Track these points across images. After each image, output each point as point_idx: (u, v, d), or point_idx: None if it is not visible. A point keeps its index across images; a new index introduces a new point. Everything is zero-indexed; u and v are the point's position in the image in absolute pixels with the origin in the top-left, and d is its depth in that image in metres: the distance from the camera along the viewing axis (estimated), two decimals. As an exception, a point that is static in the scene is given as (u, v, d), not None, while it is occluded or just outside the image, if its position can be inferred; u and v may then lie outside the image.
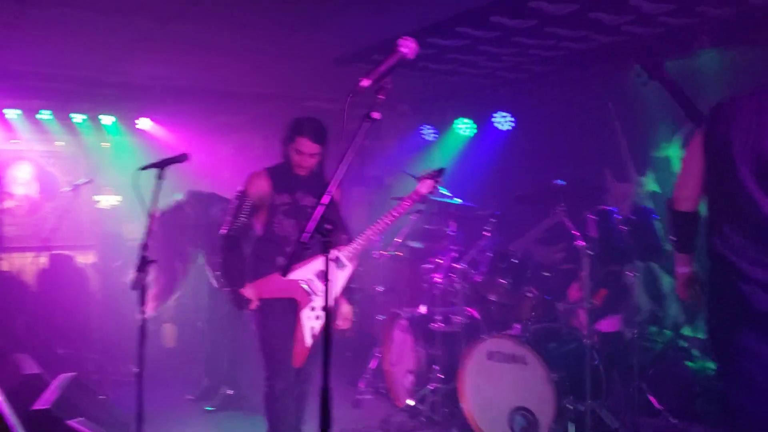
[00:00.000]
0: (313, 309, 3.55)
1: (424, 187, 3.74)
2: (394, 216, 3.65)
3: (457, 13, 4.60)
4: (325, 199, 1.98)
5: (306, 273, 3.55)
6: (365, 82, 2.10)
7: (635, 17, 4.52)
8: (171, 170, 3.44)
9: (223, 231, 3.62)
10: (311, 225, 1.92)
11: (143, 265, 3.44)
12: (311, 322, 3.55)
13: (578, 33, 4.90)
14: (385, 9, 4.54)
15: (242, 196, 3.62)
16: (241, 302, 3.54)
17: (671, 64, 5.15)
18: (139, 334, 3.45)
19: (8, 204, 8.29)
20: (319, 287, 3.56)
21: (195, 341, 6.55)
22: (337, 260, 3.62)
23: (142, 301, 3.45)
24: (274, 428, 3.53)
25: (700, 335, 5.24)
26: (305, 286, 3.54)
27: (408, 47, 2.17)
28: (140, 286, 3.43)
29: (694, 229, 2.95)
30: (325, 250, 1.98)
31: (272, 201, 3.60)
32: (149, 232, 3.40)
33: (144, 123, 7.44)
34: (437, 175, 3.79)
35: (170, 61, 5.78)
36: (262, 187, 3.62)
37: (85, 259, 7.94)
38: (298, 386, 3.64)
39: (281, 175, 3.66)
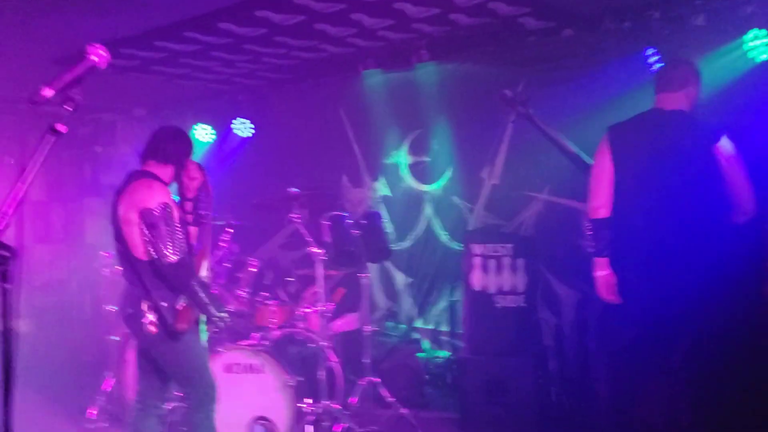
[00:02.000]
0: None
1: None
2: None
3: (183, 18, 4.47)
4: (1, 223, 1.75)
5: None
6: (47, 92, 1.89)
7: (357, 30, 4.77)
8: None
9: (167, 260, 3.02)
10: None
11: None
12: None
13: (307, 42, 5.05)
14: (106, 9, 4.25)
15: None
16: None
17: (391, 76, 5.55)
18: None
19: None
20: None
21: None
22: None
23: None
24: None
25: (431, 326, 5.72)
26: None
27: (98, 55, 2.00)
28: None
29: (610, 233, 3.35)
30: (3, 279, 1.75)
31: None
32: None
33: None
34: None
35: None
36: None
37: None
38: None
39: None
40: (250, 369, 4.08)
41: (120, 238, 3.20)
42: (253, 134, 6.55)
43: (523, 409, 4.37)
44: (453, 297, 5.51)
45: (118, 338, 5.04)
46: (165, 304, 3.10)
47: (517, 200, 5.15)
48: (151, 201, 3.07)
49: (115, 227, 3.22)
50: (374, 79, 5.71)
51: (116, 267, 5.15)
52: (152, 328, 3.10)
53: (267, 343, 4.25)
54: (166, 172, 3.29)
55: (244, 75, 6.07)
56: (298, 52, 5.31)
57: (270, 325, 4.47)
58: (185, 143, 3.41)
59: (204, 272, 3.49)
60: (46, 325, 7.31)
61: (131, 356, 4.85)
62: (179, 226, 3.15)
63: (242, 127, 6.52)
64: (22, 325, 7.48)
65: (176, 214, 3.18)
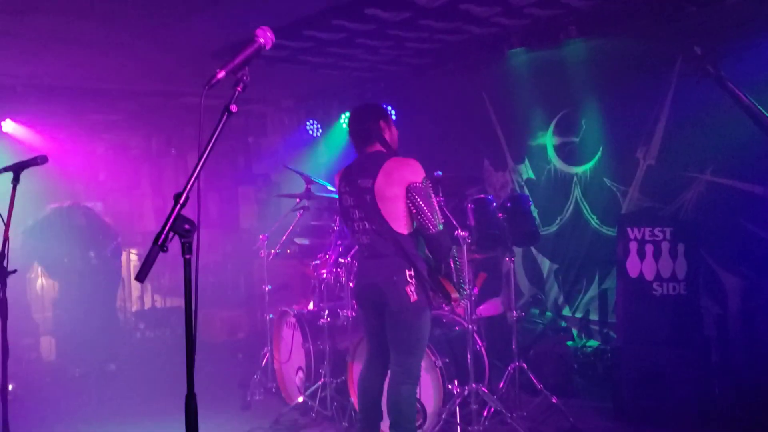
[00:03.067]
0: None
1: None
2: None
3: (331, 6, 4.58)
4: (183, 198, 1.87)
5: None
6: (221, 74, 2.02)
7: (503, 9, 4.67)
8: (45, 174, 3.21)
9: (434, 230, 3.32)
10: (167, 225, 1.81)
11: (1, 276, 3.21)
12: None
13: (450, 25, 5.01)
14: (259, 1, 4.45)
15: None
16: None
17: (537, 54, 5.38)
18: (1, 349, 3.21)
19: None
20: None
21: (76, 354, 6.25)
22: None
23: (4, 316, 3.22)
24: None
25: (579, 314, 5.52)
26: None
27: (265, 37, 2.10)
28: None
29: None
30: (185, 251, 1.88)
31: None
32: (5, 241, 3.17)
33: (7, 125, 6.93)
34: None
35: (32, 57, 5.42)
36: None
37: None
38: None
39: None
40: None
41: (373, 217, 3.40)
42: (395, 121, 6.61)
43: (683, 403, 4.11)
44: (604, 284, 5.28)
45: (273, 316, 5.31)
46: (425, 274, 3.37)
47: (676, 181, 4.81)
48: (416, 175, 3.33)
49: (364, 209, 3.44)
50: (519, 58, 5.58)
51: (278, 253, 5.47)
52: (414, 296, 3.33)
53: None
54: (384, 146, 3.55)
55: (387, 62, 6.14)
56: (442, 35, 5.29)
57: (445, 308, 4.49)
58: (375, 111, 3.64)
59: None
60: (205, 304, 7.86)
61: (286, 333, 5.11)
62: (434, 198, 3.40)
63: (385, 114, 6.59)
64: (180, 303, 8.13)
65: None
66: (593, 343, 5.26)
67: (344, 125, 7.04)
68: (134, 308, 8.26)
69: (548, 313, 5.66)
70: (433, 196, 3.39)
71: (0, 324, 3.18)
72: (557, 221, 5.67)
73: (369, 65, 6.22)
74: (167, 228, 1.79)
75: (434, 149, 6.20)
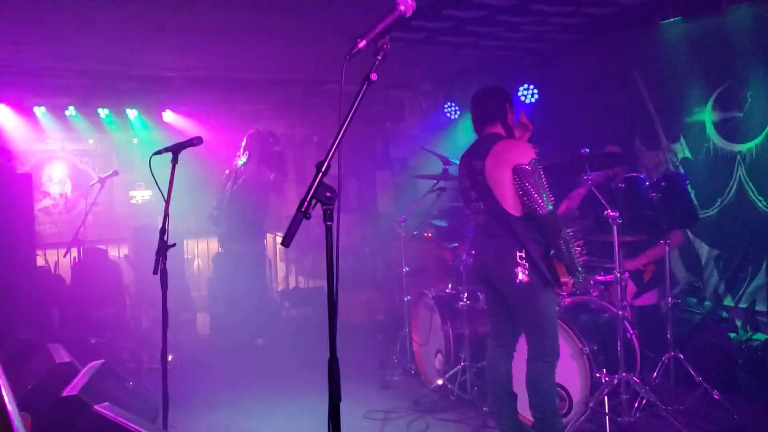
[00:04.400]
0: None
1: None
2: None
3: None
4: (324, 166, 1.89)
5: None
6: (361, 43, 2.00)
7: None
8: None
9: (542, 211, 3.30)
10: (310, 192, 1.83)
11: (162, 250, 3.43)
12: None
13: (599, -5, 4.73)
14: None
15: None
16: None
17: (695, 24, 4.95)
18: (163, 320, 3.44)
19: (45, 203, 8.48)
20: None
21: (228, 330, 6.64)
22: None
23: (164, 286, 3.44)
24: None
25: (743, 305, 5.05)
26: None
27: (406, 4, 2.06)
28: (160, 271, 3.42)
29: None
30: (326, 218, 1.89)
31: None
32: (165, 217, 3.38)
33: (168, 116, 7.46)
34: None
35: (187, 50, 5.78)
36: None
37: (118, 252, 8.06)
38: None
39: None
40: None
41: (486, 197, 3.43)
42: (536, 100, 6.39)
43: None
44: (773, 272, 4.80)
45: (410, 298, 5.33)
46: (536, 256, 3.34)
47: None
48: (523, 157, 3.32)
49: (478, 189, 3.48)
50: (674, 30, 5.18)
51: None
52: (524, 277, 3.34)
53: (558, 308, 4.11)
54: (504, 128, 3.55)
55: (529, 39, 5.93)
56: (587, 7, 5.02)
57: (560, 292, 4.32)
58: (503, 94, 3.62)
59: None
60: (345, 286, 8.07)
61: (424, 315, 5.10)
62: (545, 178, 3.35)
63: (527, 94, 6.39)
64: (322, 284, 8.39)
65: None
66: (761, 336, 4.79)
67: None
68: (280, 288, 8.62)
69: (707, 303, 5.23)
70: (543, 176, 3.33)
71: (162, 294, 3.41)
72: (717, 203, 5.21)
73: (510, 43, 6.03)
74: (310, 195, 1.81)
75: (580, 129, 5.91)
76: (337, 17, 5.03)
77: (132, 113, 7.34)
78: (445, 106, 7.38)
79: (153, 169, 3.26)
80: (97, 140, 8.49)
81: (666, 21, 5.05)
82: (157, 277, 3.39)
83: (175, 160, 3.37)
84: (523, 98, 6.40)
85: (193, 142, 3.43)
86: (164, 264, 3.44)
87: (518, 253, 3.34)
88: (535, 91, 6.34)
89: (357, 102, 1.97)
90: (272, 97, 7.80)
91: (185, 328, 7.23)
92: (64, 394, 3.52)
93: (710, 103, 5.24)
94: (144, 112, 7.39)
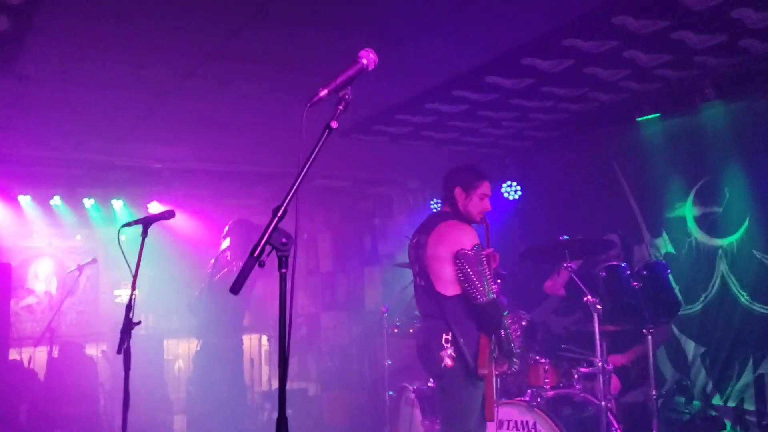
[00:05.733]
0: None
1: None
2: None
3: (451, 76, 4.61)
4: (281, 211, 1.85)
5: None
6: (323, 92, 2.03)
7: (631, 71, 4.48)
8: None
9: (483, 299, 3.16)
10: (263, 237, 1.78)
11: (127, 329, 3.32)
12: None
13: (576, 92, 4.87)
14: (380, 77, 4.57)
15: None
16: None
17: (671, 121, 5.08)
18: (123, 402, 3.28)
19: (29, 300, 8.36)
20: None
21: None
22: None
23: (127, 366, 3.30)
24: None
25: (731, 404, 4.87)
26: None
27: (368, 58, 2.10)
28: (124, 350, 3.30)
29: None
30: (281, 265, 1.83)
31: None
32: (133, 291, 3.30)
33: (154, 207, 7.47)
34: None
35: (174, 139, 5.85)
36: None
37: (96, 349, 7.84)
38: None
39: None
40: (524, 426, 3.81)
41: (423, 275, 3.34)
42: (520, 196, 6.44)
43: None
44: (760, 369, 4.65)
45: (392, 393, 5.13)
46: (462, 341, 3.14)
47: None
48: (467, 242, 3.22)
49: (419, 264, 3.40)
50: (651, 126, 5.31)
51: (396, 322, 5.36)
52: (449, 361, 3.15)
53: (540, 401, 3.95)
54: (454, 210, 3.49)
55: (511, 136, 6.07)
56: (567, 103, 5.15)
57: (543, 385, 4.18)
58: (457, 177, 3.57)
59: None
60: (331, 387, 7.81)
61: (405, 410, 4.89)
62: (487, 266, 3.23)
63: (510, 190, 6.45)
64: (311, 388, 8.12)
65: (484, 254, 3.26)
66: (751, 436, 4.59)
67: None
68: (263, 389, 8.34)
69: (696, 402, 5.04)
70: (486, 264, 3.21)
71: (123, 374, 3.27)
72: (701, 299, 5.14)
73: (492, 140, 6.17)
74: (264, 240, 1.76)
75: (562, 224, 5.91)
76: (318, 111, 5.15)
77: (117, 204, 7.33)
78: (431, 202, 7.44)
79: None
80: (85, 237, 8.47)
81: (643, 118, 5.18)
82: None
83: (144, 233, 3.33)
84: (506, 195, 6.46)
85: (165, 215, 3.40)
86: (128, 343, 3.32)
87: (444, 336, 3.16)
88: (518, 188, 6.41)
89: (317, 149, 1.97)
90: (261, 193, 7.86)
91: (162, 430, 6.91)
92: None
93: (690, 198, 5.29)
94: (130, 203, 7.39)
